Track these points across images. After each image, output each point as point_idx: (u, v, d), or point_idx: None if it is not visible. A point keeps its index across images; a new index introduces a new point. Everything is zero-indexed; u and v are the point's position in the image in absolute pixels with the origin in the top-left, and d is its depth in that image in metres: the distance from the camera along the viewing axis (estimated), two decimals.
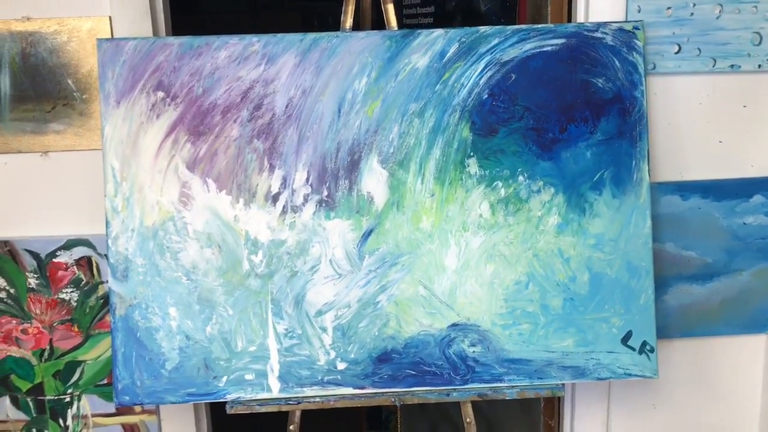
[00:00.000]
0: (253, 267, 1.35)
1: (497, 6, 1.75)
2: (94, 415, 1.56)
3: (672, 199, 1.50)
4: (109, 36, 1.40)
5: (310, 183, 1.35)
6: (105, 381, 1.54)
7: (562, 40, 1.36)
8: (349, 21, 1.39)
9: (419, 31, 1.36)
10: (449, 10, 1.98)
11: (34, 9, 1.38)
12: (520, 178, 1.37)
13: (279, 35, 1.34)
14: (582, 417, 1.60)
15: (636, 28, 1.37)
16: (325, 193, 1.35)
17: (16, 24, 1.37)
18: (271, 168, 1.35)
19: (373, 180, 1.36)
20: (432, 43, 1.35)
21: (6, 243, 1.47)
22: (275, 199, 1.35)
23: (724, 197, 1.50)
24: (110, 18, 1.39)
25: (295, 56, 1.34)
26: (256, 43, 1.34)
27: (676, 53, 1.44)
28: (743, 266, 1.53)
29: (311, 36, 1.35)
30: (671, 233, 1.50)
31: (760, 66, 1.45)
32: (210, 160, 1.34)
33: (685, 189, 1.50)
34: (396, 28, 1.41)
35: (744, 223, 1.51)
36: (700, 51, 1.44)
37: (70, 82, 1.42)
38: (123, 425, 1.57)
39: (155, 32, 1.41)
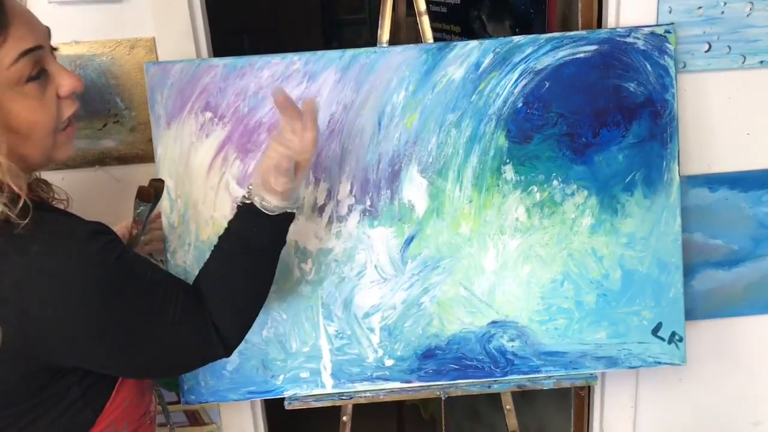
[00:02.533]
0: (303, 274, 1.44)
1: None
2: (159, 403, 1.68)
3: (700, 192, 1.55)
4: (154, 56, 1.45)
5: (353, 194, 1.42)
6: None
7: (595, 47, 1.40)
8: (386, 36, 1.43)
9: (455, 43, 1.39)
10: None
11: (81, 33, 1.43)
12: (555, 182, 1.43)
13: (319, 53, 1.39)
14: (612, 391, 1.71)
15: (668, 31, 1.40)
16: (368, 203, 1.42)
17: (65, 48, 1.42)
18: (316, 181, 1.42)
19: (414, 189, 1.42)
20: (467, 54, 1.39)
21: None
22: (321, 210, 1.42)
23: (750, 188, 1.55)
24: (154, 39, 1.44)
25: (335, 73, 1.39)
26: (297, 61, 1.39)
27: (707, 51, 1.47)
28: (767, 252, 1.59)
29: (350, 52, 1.39)
30: (699, 223, 1.56)
31: None
32: None
33: (713, 181, 1.55)
34: (431, 41, 1.44)
35: None
36: (730, 48, 1.47)
37: (118, 100, 1.48)
38: (185, 412, 1.69)
39: (198, 53, 1.46)
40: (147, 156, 1.50)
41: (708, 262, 1.60)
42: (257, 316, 1.19)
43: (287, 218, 1.16)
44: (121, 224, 1.32)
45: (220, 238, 1.16)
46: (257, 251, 1.14)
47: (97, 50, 1.44)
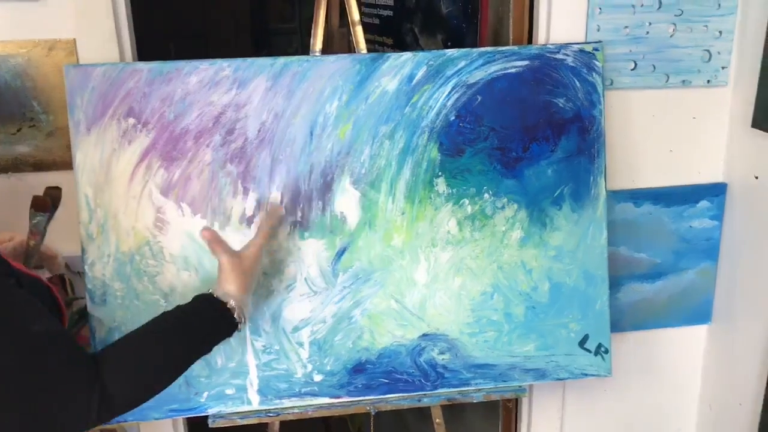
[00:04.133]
0: None
1: (459, 9, 1.77)
2: None
3: (626, 206, 1.59)
4: (74, 59, 1.38)
5: (284, 205, 1.39)
6: None
7: (526, 62, 1.41)
8: (318, 44, 1.40)
9: (388, 54, 1.38)
10: (409, 8, 1.99)
11: None
12: (486, 195, 1.43)
13: (249, 60, 1.35)
14: (539, 403, 1.72)
15: (596, 49, 1.43)
16: (299, 214, 1.39)
17: None
18: (245, 191, 1.37)
19: (346, 201, 1.40)
20: (401, 66, 1.38)
21: None
22: (250, 221, 1.38)
23: (673, 203, 1.60)
24: (75, 41, 1.37)
25: (267, 80, 1.36)
26: (226, 67, 1.35)
27: (632, 70, 1.51)
28: (689, 265, 1.64)
29: (282, 60, 1.36)
30: (624, 237, 1.60)
31: (709, 81, 1.53)
32: (184, 184, 1.36)
33: (637, 196, 1.59)
34: (365, 51, 1.43)
35: (690, 227, 1.61)
36: (654, 67, 1.51)
37: (35, 104, 1.40)
38: (101, 431, 1.61)
39: (121, 57, 1.40)
40: (65, 163, 1.42)
41: (633, 275, 1.63)
42: (149, 398, 1.11)
43: (232, 324, 1.19)
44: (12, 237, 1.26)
45: (162, 314, 1.17)
46: (190, 335, 1.16)
47: (12, 51, 1.37)
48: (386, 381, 1.45)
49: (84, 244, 1.35)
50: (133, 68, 1.33)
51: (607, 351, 1.50)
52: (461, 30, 1.79)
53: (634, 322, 1.67)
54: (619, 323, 1.64)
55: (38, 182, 1.44)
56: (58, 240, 1.46)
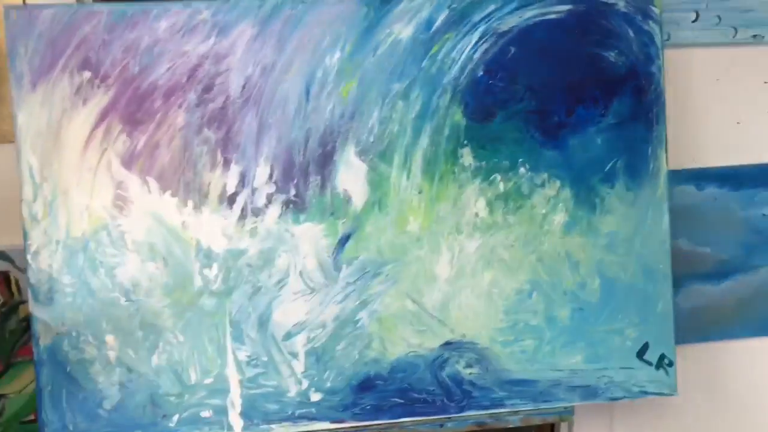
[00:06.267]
0: (206, 283, 1.13)
1: None
2: None
3: (686, 189, 1.33)
4: (20, 2, 1.14)
5: (274, 180, 1.13)
6: (32, 417, 1.30)
7: (569, 7, 1.17)
8: None
9: None
10: None
11: None
12: (522, 169, 1.18)
13: (232, 1, 1.11)
14: (581, 424, 1.44)
15: None
16: (293, 191, 1.14)
17: None
18: (226, 163, 1.12)
19: (350, 175, 1.14)
20: (417, 9, 1.14)
21: None
22: (232, 200, 1.12)
23: (742, 186, 1.34)
24: None
25: (253, 26, 1.11)
26: (204, 10, 1.11)
27: (694, 21, 1.27)
28: (762, 262, 1.37)
29: (271, 2, 1.12)
30: (684, 228, 1.34)
31: None
32: (150, 154, 1.11)
33: (700, 178, 1.33)
34: None
35: (764, 215, 1.35)
36: (720, 19, 1.27)
37: None
38: None
39: None
40: (9, 134, 1.18)
41: (694, 275, 1.37)
42: None
43: None
44: None
45: None
46: None
47: None
48: (400, 401, 1.17)
49: (26, 227, 1.09)
50: (90, 10, 1.09)
51: (671, 363, 1.23)
52: None
53: (696, 332, 1.40)
54: (678, 333, 1.36)
55: None
56: None
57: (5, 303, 1.25)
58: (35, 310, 1.11)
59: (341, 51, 1.13)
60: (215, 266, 1.13)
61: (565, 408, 1.22)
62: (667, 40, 1.26)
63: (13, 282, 1.25)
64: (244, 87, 1.12)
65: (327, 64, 1.13)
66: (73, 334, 1.11)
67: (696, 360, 1.42)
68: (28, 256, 1.10)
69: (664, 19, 1.25)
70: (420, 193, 1.16)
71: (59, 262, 1.10)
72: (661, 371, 1.23)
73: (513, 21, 1.16)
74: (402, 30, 1.14)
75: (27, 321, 1.25)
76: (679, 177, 1.32)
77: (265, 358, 1.15)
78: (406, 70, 1.14)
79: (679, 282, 1.36)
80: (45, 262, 1.10)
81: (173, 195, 1.12)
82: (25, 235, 1.10)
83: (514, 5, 1.15)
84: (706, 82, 1.31)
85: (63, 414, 1.11)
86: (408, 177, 1.16)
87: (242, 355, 1.14)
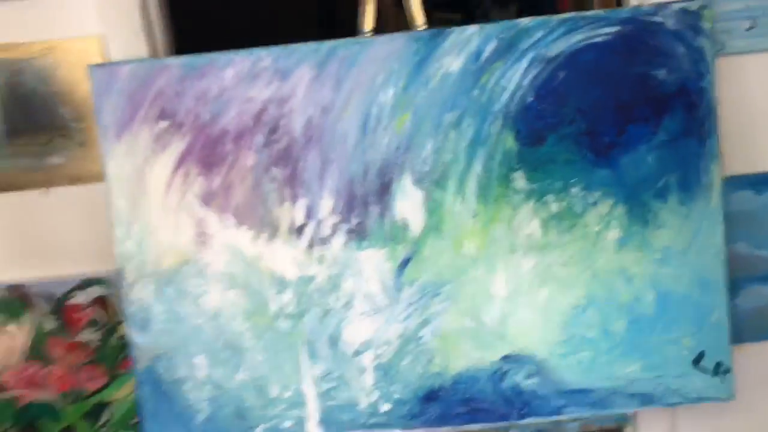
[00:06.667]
0: (281, 307, 1.23)
1: None
2: None
3: (744, 195, 1.33)
4: (102, 58, 1.25)
5: (337, 211, 1.21)
6: (137, 420, 1.45)
7: (616, 28, 1.18)
8: (368, 23, 1.22)
9: (450, 29, 1.18)
10: None
11: (16, 34, 1.23)
12: (574, 189, 1.21)
13: (291, 47, 1.18)
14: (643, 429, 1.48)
15: (703, 7, 1.18)
16: (355, 221, 1.21)
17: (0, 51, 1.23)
18: (294, 197, 1.21)
19: (408, 203, 1.21)
20: (466, 42, 1.18)
21: (18, 287, 1.36)
22: (300, 231, 1.21)
23: None
24: (102, 38, 1.24)
25: (311, 69, 1.18)
26: (265, 57, 1.18)
27: (748, 30, 1.25)
28: None
29: (327, 44, 1.18)
30: (743, 232, 1.34)
31: None
32: (225, 193, 1.21)
33: (759, 182, 1.32)
34: (422, 27, 1.23)
35: None
36: None
37: (64, 111, 1.28)
38: None
39: (153, 52, 1.26)
40: (100, 174, 1.29)
41: (754, 277, 1.37)
42: None
43: None
44: None
45: None
46: None
47: (36, 53, 1.25)
48: (464, 410, 1.25)
49: (120, 264, 1.22)
50: (163, 64, 1.18)
51: (728, 370, 1.25)
52: None
53: (758, 332, 1.41)
54: (739, 334, 1.38)
55: (75, 196, 1.33)
56: (95, 258, 1.34)
57: (107, 322, 1.40)
58: (133, 336, 1.24)
59: (394, 87, 1.19)
60: (288, 292, 1.23)
61: (624, 414, 1.27)
62: (721, 49, 1.25)
63: (111, 305, 1.39)
64: (306, 127, 1.19)
65: (382, 100, 1.19)
66: (167, 356, 1.24)
67: (757, 359, 1.43)
68: (124, 289, 1.23)
69: (717, 28, 1.24)
70: (475, 216, 1.22)
71: (151, 294, 1.23)
72: (718, 378, 1.26)
73: (561, 46, 1.18)
74: (452, 62, 1.18)
75: (124, 339, 1.40)
76: (736, 183, 1.32)
77: (337, 374, 1.25)
78: (457, 101, 1.19)
79: (739, 284, 1.37)
80: (139, 293, 1.23)
81: (248, 229, 1.21)
82: (120, 271, 1.23)
83: (561, 31, 1.18)
84: (763, 88, 1.29)
85: (163, 427, 1.25)
86: (463, 202, 1.21)
87: (317, 371, 1.24)
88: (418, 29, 1.23)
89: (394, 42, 1.18)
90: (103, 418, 1.45)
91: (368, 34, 1.22)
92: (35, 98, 1.27)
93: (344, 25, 1.24)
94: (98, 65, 1.19)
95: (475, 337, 1.24)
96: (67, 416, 1.45)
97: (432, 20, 1.27)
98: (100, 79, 1.18)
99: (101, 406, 1.45)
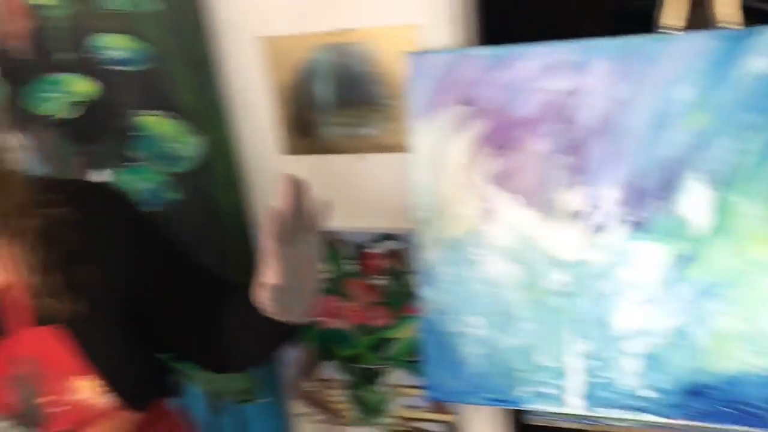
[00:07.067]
0: (555, 285, 1.32)
1: None
2: (403, 386, 1.70)
3: None
4: (416, 45, 1.40)
5: (619, 202, 1.25)
6: (413, 358, 1.66)
7: None
8: (672, 19, 1.21)
9: (755, 28, 1.13)
10: None
11: (349, 21, 1.43)
12: None
13: (588, 41, 1.23)
14: None
15: None
16: (638, 213, 1.25)
17: (333, 36, 1.44)
18: (580, 185, 1.27)
19: (695, 201, 1.21)
20: None
21: (330, 233, 1.61)
22: (580, 217, 1.28)
23: None
24: (418, 27, 1.39)
25: (607, 64, 1.22)
26: (564, 50, 1.24)
27: None
28: None
29: (624, 40, 1.20)
30: None
31: None
32: (514, 175, 1.31)
33: None
34: (730, 23, 1.19)
35: None
36: None
37: (380, 89, 1.46)
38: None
39: (463, 41, 1.37)
40: (401, 146, 1.47)
41: None
42: None
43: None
44: None
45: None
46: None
47: (363, 38, 1.44)
48: (730, 411, 1.25)
49: (416, 228, 1.39)
50: (470, 54, 1.30)
51: None
52: None
53: None
54: None
55: (383, 163, 1.52)
56: (392, 216, 1.52)
57: (397, 272, 1.60)
58: (421, 290, 1.42)
59: (692, 85, 1.17)
60: (563, 272, 1.31)
61: None
62: None
63: (402, 258, 1.59)
64: (596, 119, 1.24)
65: (676, 98, 1.19)
66: (448, 312, 1.40)
67: None
68: (417, 248, 1.41)
69: None
70: (765, 221, 1.18)
71: (440, 257, 1.39)
72: None
73: None
74: (756, 63, 1.14)
75: (410, 288, 1.59)
76: None
77: (604, 354, 1.31)
78: (760, 102, 1.15)
79: None
80: (429, 254, 1.40)
81: (533, 210, 1.31)
82: (415, 234, 1.40)
83: None
84: None
85: (439, 372, 1.43)
86: (754, 205, 1.18)
87: (584, 348, 1.32)
88: (724, 24, 1.19)
89: (696, 39, 1.16)
90: (386, 352, 1.68)
91: (669, 30, 1.22)
92: (359, 77, 1.47)
93: (641, 19, 1.24)
94: (414, 53, 1.35)
95: (752, 343, 1.22)
96: (357, 345, 1.70)
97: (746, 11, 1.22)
98: (415, 65, 1.34)
99: (385, 341, 1.68)
